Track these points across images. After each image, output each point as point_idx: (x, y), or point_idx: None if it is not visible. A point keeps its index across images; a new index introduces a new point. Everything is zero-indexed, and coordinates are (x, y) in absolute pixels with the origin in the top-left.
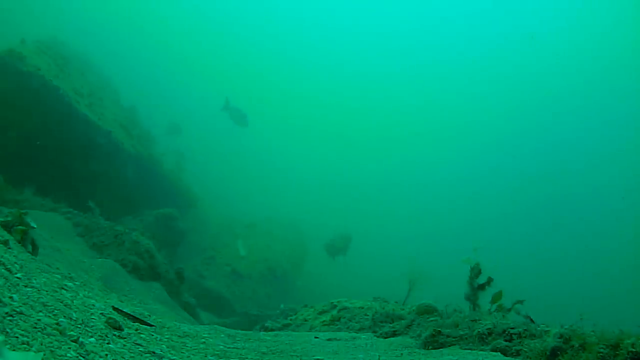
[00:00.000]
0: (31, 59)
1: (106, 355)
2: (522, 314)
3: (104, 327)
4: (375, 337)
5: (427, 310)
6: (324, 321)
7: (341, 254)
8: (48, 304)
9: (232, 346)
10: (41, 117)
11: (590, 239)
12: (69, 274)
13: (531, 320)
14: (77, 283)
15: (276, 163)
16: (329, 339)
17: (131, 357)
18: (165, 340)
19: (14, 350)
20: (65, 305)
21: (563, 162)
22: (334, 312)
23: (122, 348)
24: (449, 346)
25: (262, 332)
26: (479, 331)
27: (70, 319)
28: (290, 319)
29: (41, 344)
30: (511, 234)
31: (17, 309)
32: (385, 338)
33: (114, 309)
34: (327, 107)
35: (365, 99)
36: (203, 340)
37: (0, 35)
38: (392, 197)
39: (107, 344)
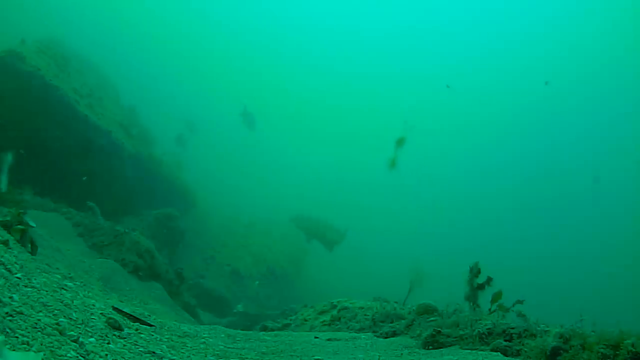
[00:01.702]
0: (31, 59)
1: (106, 355)
2: (516, 312)
3: (104, 327)
4: (376, 337)
5: (427, 310)
6: (324, 321)
7: (314, 237)
8: (48, 304)
9: (232, 346)
10: (41, 117)
11: (590, 237)
12: (69, 274)
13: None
14: (77, 283)
15: (277, 162)
16: (329, 339)
17: (131, 357)
18: (165, 340)
19: (14, 350)
20: (65, 305)
21: (563, 162)
22: (334, 312)
23: (122, 348)
24: (449, 346)
25: (262, 332)
26: (479, 331)
27: (70, 319)
28: (290, 319)
29: (41, 344)
30: (510, 233)
31: (17, 309)
32: (386, 338)
33: (114, 309)
34: (328, 105)
35: (368, 97)
36: (203, 340)
37: (0, 35)
38: (392, 196)
39: (107, 344)
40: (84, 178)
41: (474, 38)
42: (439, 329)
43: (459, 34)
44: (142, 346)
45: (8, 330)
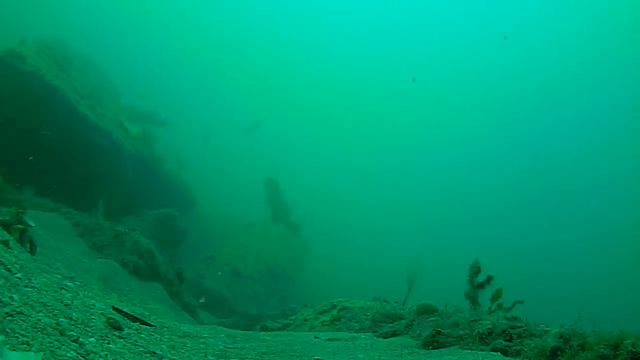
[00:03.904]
0: (31, 59)
1: (106, 355)
2: (505, 313)
3: (104, 327)
4: (375, 337)
5: (427, 310)
6: (324, 321)
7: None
8: (48, 304)
9: (232, 346)
10: (41, 117)
11: (589, 233)
12: (69, 274)
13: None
14: (77, 283)
15: (275, 162)
16: (329, 339)
17: (131, 357)
18: (165, 340)
19: (14, 350)
20: (65, 305)
21: (562, 156)
22: (334, 312)
23: (122, 348)
24: (449, 346)
25: (262, 332)
26: (479, 331)
27: (70, 319)
28: (290, 319)
29: (41, 344)
30: (509, 227)
31: (17, 309)
32: (385, 338)
33: (114, 309)
34: (326, 104)
35: (364, 93)
36: (203, 340)
37: (1, 36)
38: (390, 191)
39: (107, 344)
40: (30, 158)
41: (471, 30)
42: (438, 329)
43: (457, 26)
44: (142, 346)
45: (8, 330)
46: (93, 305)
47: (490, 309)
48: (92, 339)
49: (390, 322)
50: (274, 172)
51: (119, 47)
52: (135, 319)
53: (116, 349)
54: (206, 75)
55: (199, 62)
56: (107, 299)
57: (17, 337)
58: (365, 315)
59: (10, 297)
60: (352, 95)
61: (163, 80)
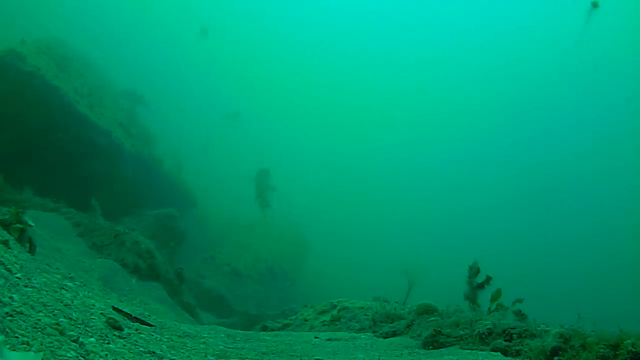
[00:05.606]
0: (31, 58)
1: (106, 355)
2: (515, 311)
3: (104, 327)
4: (375, 337)
5: (427, 310)
6: (324, 321)
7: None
8: (48, 304)
9: (232, 346)
10: (41, 117)
11: (590, 230)
12: (69, 274)
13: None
14: (77, 283)
15: (275, 163)
16: (329, 339)
17: (131, 357)
18: (165, 340)
19: (14, 350)
20: (65, 305)
21: (562, 152)
22: (334, 312)
23: (122, 348)
24: (449, 346)
25: (262, 332)
26: (479, 331)
27: (70, 319)
28: (290, 319)
29: (41, 344)
30: (510, 224)
31: (17, 309)
32: (386, 338)
33: (114, 309)
34: (323, 103)
35: (365, 91)
36: (203, 340)
37: (0, 36)
38: (390, 188)
39: (107, 344)
40: None
41: (472, 27)
42: (439, 329)
43: (458, 23)
44: (142, 346)
45: (8, 330)
46: (93, 305)
47: (489, 309)
48: (92, 339)
49: (391, 322)
50: (275, 172)
51: (121, 46)
52: (135, 319)
53: (116, 349)
54: (208, 74)
55: (202, 61)
56: (107, 299)
57: (17, 337)
58: (365, 315)
59: (10, 297)
60: (352, 93)
61: (165, 80)
